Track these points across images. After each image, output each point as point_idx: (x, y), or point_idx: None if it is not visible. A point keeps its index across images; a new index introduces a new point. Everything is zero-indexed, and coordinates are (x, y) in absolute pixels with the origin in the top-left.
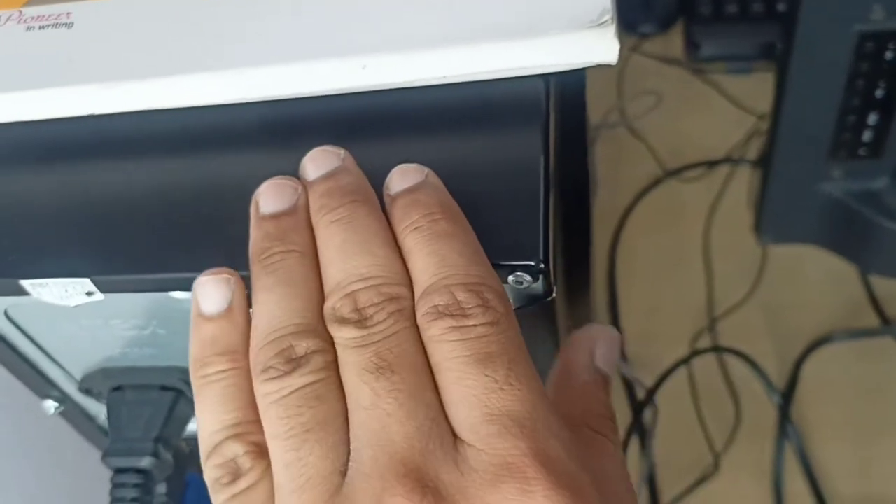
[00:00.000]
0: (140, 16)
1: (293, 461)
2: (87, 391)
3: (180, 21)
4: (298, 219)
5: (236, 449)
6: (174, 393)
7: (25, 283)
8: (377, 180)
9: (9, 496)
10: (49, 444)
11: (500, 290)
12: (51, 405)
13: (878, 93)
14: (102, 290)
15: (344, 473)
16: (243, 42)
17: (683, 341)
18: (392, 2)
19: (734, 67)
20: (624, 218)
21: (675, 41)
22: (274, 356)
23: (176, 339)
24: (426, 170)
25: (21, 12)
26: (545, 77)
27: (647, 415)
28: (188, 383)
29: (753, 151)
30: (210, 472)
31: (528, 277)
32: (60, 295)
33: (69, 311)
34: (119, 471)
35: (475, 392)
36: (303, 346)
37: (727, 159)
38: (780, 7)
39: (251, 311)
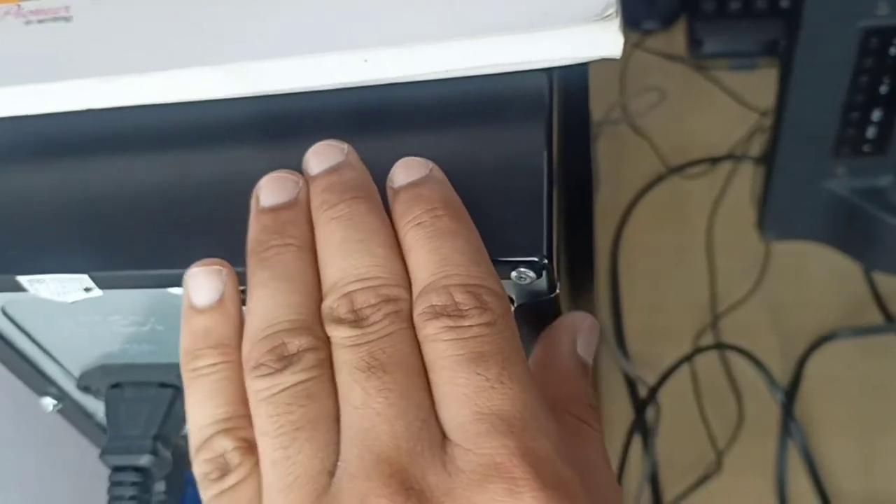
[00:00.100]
0: (139, 10)
1: (281, 459)
2: (85, 388)
3: (180, 15)
4: (298, 212)
5: (225, 444)
6: (173, 390)
7: (23, 280)
8: (380, 175)
9: (9, 495)
10: (49, 441)
11: (500, 291)
12: (49, 402)
13: (883, 89)
14: (100, 287)
15: (333, 473)
16: (244, 36)
17: (686, 339)
18: None
19: (737, 64)
20: (626, 215)
21: (677, 38)
22: (266, 353)
23: (175, 335)
24: (430, 164)
25: (20, 7)
26: (548, 71)
27: (650, 413)
28: None
29: (756, 148)
30: (199, 467)
31: (531, 273)
32: (58, 291)
33: (67, 308)
34: (117, 469)
35: (465, 391)
36: (295, 343)
37: (730, 156)
38: (783, 3)
39: (245, 305)
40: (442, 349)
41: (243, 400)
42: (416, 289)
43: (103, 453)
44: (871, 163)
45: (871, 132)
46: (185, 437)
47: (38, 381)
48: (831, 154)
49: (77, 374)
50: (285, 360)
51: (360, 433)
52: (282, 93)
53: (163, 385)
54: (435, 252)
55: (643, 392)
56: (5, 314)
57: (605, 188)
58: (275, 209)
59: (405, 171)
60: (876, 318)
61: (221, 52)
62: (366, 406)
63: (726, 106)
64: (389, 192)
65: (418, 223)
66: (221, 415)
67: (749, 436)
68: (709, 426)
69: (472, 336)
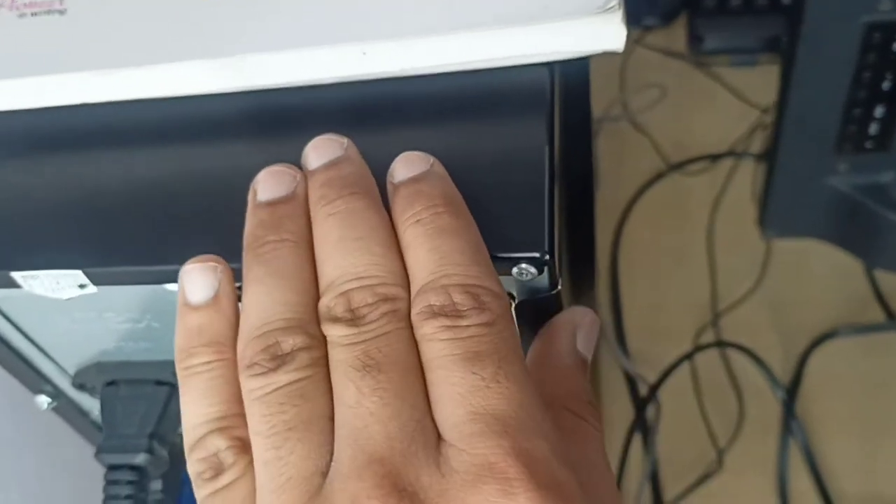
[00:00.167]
0: (134, 2)
1: (273, 460)
2: (80, 386)
3: (176, 7)
4: (295, 207)
5: (219, 443)
6: (169, 387)
7: (16, 276)
8: (380, 171)
9: (9, 495)
10: (48, 440)
11: (499, 291)
12: (44, 400)
13: (886, 85)
14: (95, 283)
15: (325, 474)
16: (241, 28)
17: (687, 336)
18: None
19: (738, 60)
20: (626, 212)
21: (678, 34)
22: (260, 352)
23: (171, 332)
24: (431, 158)
25: None
26: (549, 66)
27: (650, 411)
28: None
29: (757, 145)
30: (193, 466)
31: (532, 269)
32: (52, 287)
33: (62, 305)
34: (113, 467)
35: (460, 390)
36: (289, 342)
37: (731, 153)
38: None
39: (241, 302)
40: (438, 349)
41: (238, 398)
42: (414, 287)
43: (98, 452)
44: (873, 159)
45: (873, 128)
46: (181, 436)
47: (33, 379)
48: (833, 151)
49: (72, 371)
50: (279, 360)
51: (353, 433)
52: (280, 87)
53: (159, 383)
54: (434, 250)
55: (643, 390)
56: None
57: (605, 185)
58: (272, 203)
59: (406, 166)
60: (877, 315)
61: (218, 44)
62: (359, 405)
63: (727, 103)
64: (389, 187)
65: (418, 220)
66: (215, 414)
67: (750, 434)
68: (709, 424)
69: (469, 336)
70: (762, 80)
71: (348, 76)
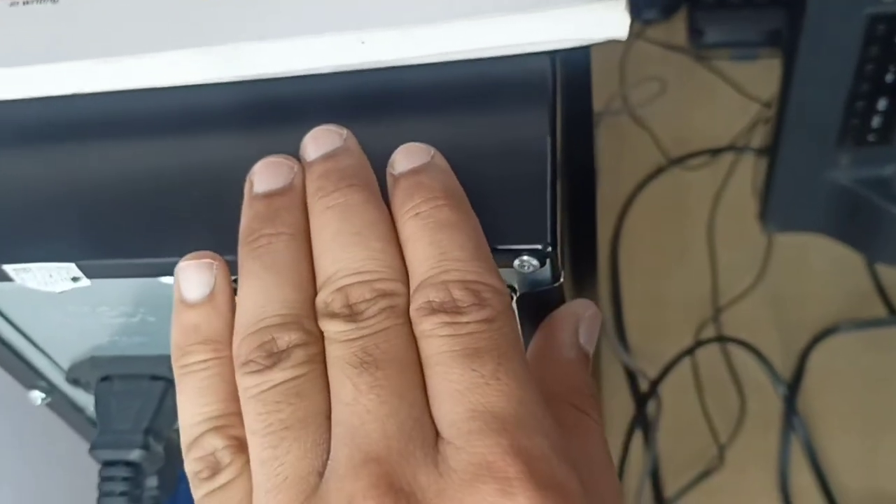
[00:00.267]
0: None
1: (269, 459)
2: (74, 381)
3: None
4: (292, 199)
5: (216, 443)
6: (165, 382)
7: (8, 269)
8: (379, 162)
9: (2, 491)
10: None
11: (500, 286)
12: (37, 396)
13: (889, 77)
14: (88, 276)
15: (322, 473)
16: (237, 16)
17: (687, 332)
18: None
19: (738, 54)
20: (627, 207)
21: (678, 27)
22: (255, 349)
23: (166, 326)
24: (432, 150)
25: None
26: (551, 56)
27: (651, 407)
28: None
29: (758, 139)
30: (190, 466)
31: (534, 262)
32: (45, 280)
33: (55, 298)
34: (107, 464)
35: (459, 387)
36: (285, 339)
37: (731, 147)
38: None
39: (237, 297)
40: (437, 345)
41: (235, 397)
42: (413, 283)
43: (93, 448)
44: (875, 152)
45: (876, 121)
46: (177, 431)
47: (27, 375)
48: (835, 144)
49: (66, 366)
50: (274, 357)
51: (349, 431)
52: (277, 76)
53: (154, 378)
54: (434, 245)
55: (644, 386)
56: None
57: (606, 180)
58: (268, 195)
59: (406, 158)
60: (879, 310)
61: (214, 33)
62: (356, 403)
63: (728, 96)
64: (389, 179)
65: (417, 213)
66: (212, 412)
67: (751, 430)
68: (710, 420)
69: (469, 332)
70: (763, 74)
71: (347, 65)
